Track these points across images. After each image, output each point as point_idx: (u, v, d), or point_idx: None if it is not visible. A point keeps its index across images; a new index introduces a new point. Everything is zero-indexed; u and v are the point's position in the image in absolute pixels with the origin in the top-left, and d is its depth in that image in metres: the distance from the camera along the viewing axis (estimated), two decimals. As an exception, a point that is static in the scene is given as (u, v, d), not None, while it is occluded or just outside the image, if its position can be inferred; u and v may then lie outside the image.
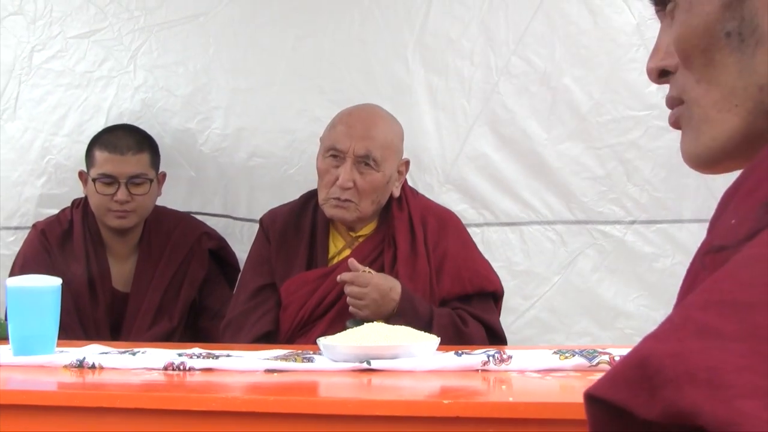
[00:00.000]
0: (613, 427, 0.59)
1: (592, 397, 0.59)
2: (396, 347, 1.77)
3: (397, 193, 2.55)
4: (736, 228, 0.67)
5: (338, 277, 2.36)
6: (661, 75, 0.85)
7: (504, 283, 2.60)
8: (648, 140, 2.93)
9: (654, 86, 2.86)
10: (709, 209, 0.75)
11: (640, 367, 0.56)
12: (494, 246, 3.01)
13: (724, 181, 0.76)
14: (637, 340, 0.62)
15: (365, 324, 1.95)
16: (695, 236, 2.81)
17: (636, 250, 2.97)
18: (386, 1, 3.06)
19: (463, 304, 2.46)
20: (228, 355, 1.86)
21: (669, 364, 0.54)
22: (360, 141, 2.46)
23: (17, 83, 3.29)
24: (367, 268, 2.37)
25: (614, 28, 2.92)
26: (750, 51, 0.76)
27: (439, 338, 1.88)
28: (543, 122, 3.00)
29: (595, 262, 3.00)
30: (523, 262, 3.04)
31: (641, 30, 2.88)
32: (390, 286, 2.35)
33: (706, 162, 0.82)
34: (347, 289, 2.33)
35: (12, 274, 2.69)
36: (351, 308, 2.31)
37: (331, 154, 2.49)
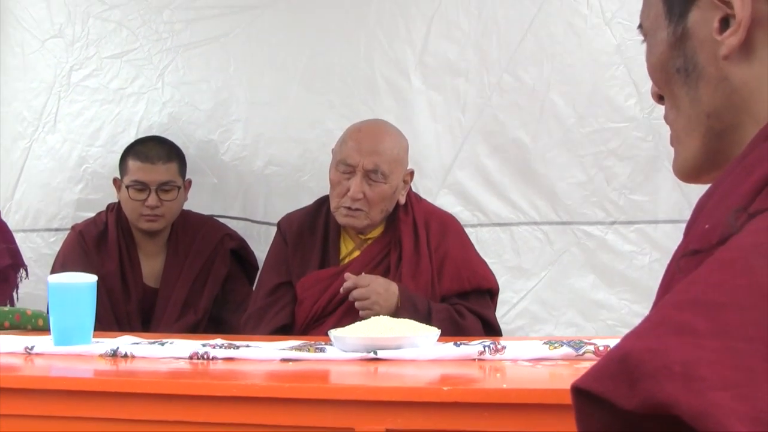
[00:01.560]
0: (597, 417, 0.59)
1: (578, 389, 0.59)
2: (400, 338, 1.76)
3: (402, 200, 2.54)
4: (708, 233, 0.67)
5: (341, 289, 2.35)
6: (660, 98, 0.87)
7: (495, 278, 2.59)
8: (626, 149, 2.92)
9: (632, 101, 2.89)
10: (681, 210, 0.76)
11: (622, 362, 0.56)
12: (487, 245, 3.00)
13: (696, 185, 0.76)
14: (618, 329, 0.62)
15: (372, 317, 1.94)
16: (669, 235, 2.80)
17: (616, 248, 2.96)
18: (390, 25, 3.06)
19: (462, 300, 2.45)
20: (247, 346, 1.85)
21: (647, 359, 0.54)
22: (368, 156, 2.45)
23: (57, 99, 3.29)
24: (362, 274, 2.38)
25: (596, 49, 2.91)
26: (694, 84, 0.79)
27: (440, 330, 1.87)
28: (531, 133, 2.99)
29: (579, 259, 3.00)
30: (513, 259, 3.04)
31: (621, 50, 2.87)
32: (387, 283, 2.35)
33: (687, 176, 0.84)
34: (353, 294, 2.33)
35: (53, 271, 2.69)
36: (361, 312, 2.29)
37: (342, 167, 2.48)
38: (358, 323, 1.88)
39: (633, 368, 0.55)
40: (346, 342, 1.78)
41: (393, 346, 1.74)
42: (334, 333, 1.83)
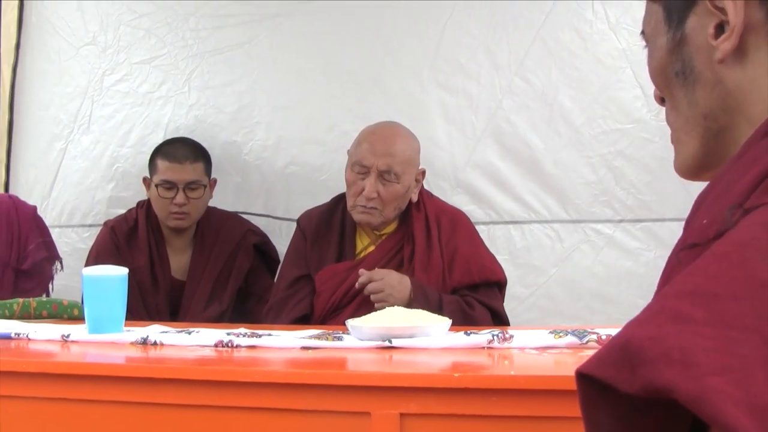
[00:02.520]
0: (599, 401, 0.60)
1: (581, 374, 0.60)
2: (413, 328, 1.77)
3: (415, 198, 2.55)
4: (706, 228, 0.68)
5: (357, 284, 2.37)
6: (662, 101, 0.87)
7: (507, 274, 2.58)
8: (633, 150, 2.91)
9: (639, 103, 2.88)
10: (687, 209, 0.76)
11: (623, 349, 0.57)
12: (499, 242, 3.00)
13: (701, 184, 0.77)
14: (624, 323, 0.62)
15: (386, 308, 1.95)
16: (675, 233, 2.75)
17: (623, 246, 2.95)
18: (404, 32, 3.06)
19: (471, 292, 2.45)
20: (269, 335, 1.85)
21: (648, 346, 0.55)
22: (382, 158, 2.46)
23: (90, 103, 3.31)
24: (375, 269, 2.39)
25: (603, 53, 2.90)
26: (692, 87, 0.79)
27: (451, 320, 1.88)
28: (541, 134, 2.99)
29: (588, 256, 2.99)
30: (524, 255, 3.03)
31: (627, 54, 2.86)
32: (401, 277, 2.36)
33: (688, 174, 0.85)
34: (369, 288, 2.34)
35: (87, 264, 2.70)
36: (377, 305, 2.30)
37: (358, 168, 2.49)
38: (373, 313, 1.89)
39: (634, 355, 0.55)
40: (362, 331, 1.79)
41: (406, 335, 1.74)
42: (350, 323, 1.84)
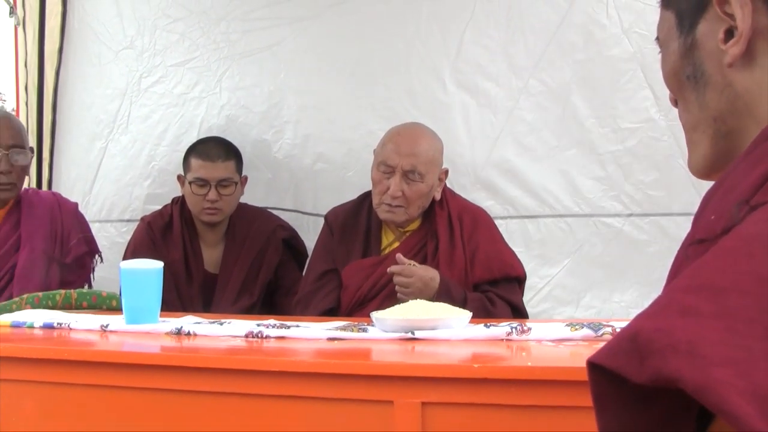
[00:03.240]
0: (610, 389, 0.60)
1: (593, 364, 0.60)
2: (435, 320, 1.76)
3: (438, 196, 2.54)
4: (714, 223, 0.67)
5: (388, 270, 2.35)
6: (676, 103, 0.87)
7: (523, 265, 2.57)
8: (642, 148, 2.89)
9: (648, 103, 2.85)
10: (693, 204, 0.75)
11: (633, 341, 0.57)
12: (515, 235, 2.99)
13: (708, 181, 0.77)
14: (631, 311, 0.62)
15: (410, 301, 1.94)
16: (682, 227, 2.76)
17: (632, 239, 2.93)
18: (427, 35, 3.05)
19: (492, 287, 2.44)
20: (297, 326, 1.86)
21: (656, 338, 0.55)
22: (407, 158, 2.45)
23: (129, 104, 3.33)
24: (412, 262, 2.35)
25: (614, 56, 2.88)
26: (702, 90, 0.79)
27: (471, 313, 1.87)
28: (555, 132, 2.97)
29: (598, 248, 2.97)
30: (539, 248, 3.02)
31: (637, 57, 2.83)
32: (431, 276, 2.33)
33: (700, 173, 0.85)
34: (396, 279, 2.33)
35: (124, 258, 2.72)
36: (399, 295, 2.30)
37: (383, 167, 2.49)
38: (397, 306, 1.89)
39: (643, 346, 0.55)
40: (386, 323, 1.78)
41: (429, 327, 1.74)
42: (375, 315, 1.83)
